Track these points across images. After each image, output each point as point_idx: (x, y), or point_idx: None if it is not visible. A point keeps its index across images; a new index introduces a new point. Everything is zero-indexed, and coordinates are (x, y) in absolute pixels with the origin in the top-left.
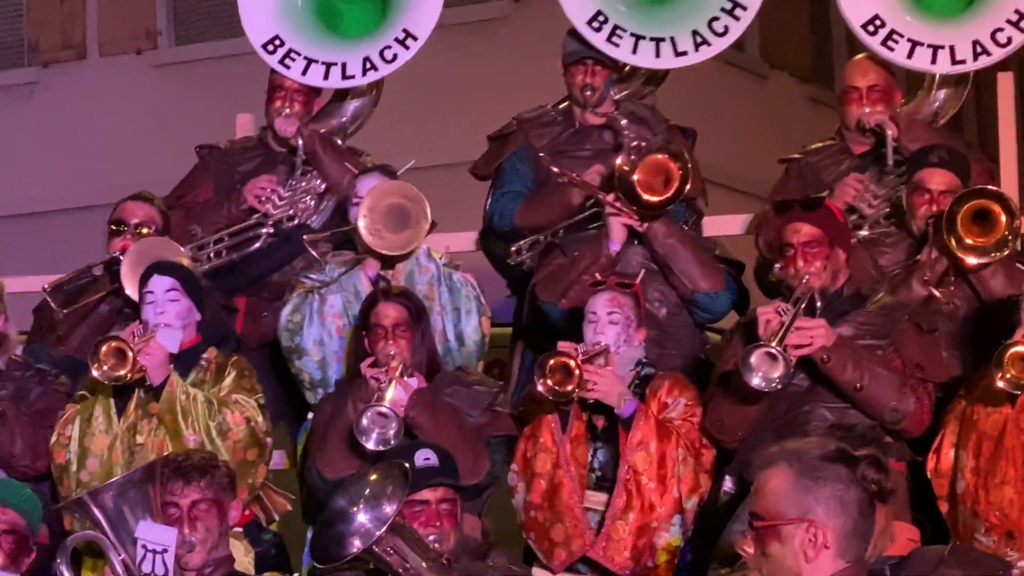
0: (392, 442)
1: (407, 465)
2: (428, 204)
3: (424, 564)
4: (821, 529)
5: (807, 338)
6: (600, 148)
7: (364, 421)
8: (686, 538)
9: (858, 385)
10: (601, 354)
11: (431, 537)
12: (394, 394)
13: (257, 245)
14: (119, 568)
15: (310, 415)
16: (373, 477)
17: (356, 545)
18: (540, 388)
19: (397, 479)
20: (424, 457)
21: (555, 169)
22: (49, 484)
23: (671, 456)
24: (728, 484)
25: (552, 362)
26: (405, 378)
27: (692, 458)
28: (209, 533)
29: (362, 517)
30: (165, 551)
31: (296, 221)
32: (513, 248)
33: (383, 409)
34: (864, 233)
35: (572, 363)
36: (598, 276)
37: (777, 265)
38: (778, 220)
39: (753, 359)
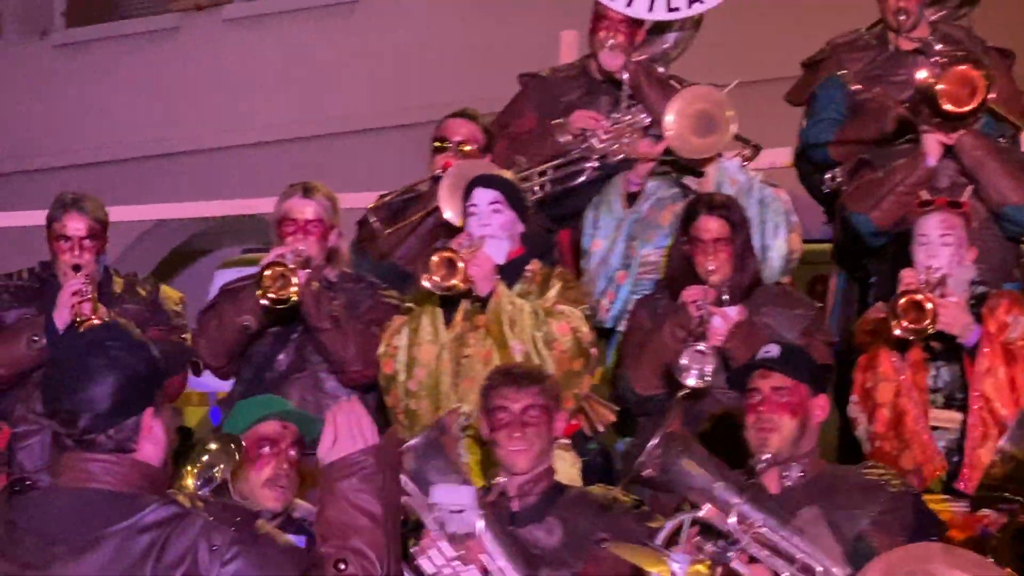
0: (708, 378)
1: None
2: (734, 111)
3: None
4: None
5: None
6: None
7: (684, 360)
8: None
9: None
10: (939, 283)
11: (762, 432)
12: (714, 324)
13: (582, 179)
14: (433, 526)
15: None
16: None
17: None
18: (898, 332)
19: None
20: (765, 351)
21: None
22: (375, 395)
23: (1021, 378)
24: None
25: (903, 302)
26: (725, 308)
27: None
28: (538, 439)
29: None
30: (463, 510)
31: (620, 155)
32: (828, 175)
33: (701, 347)
34: None
35: (921, 297)
36: (925, 196)
37: None
38: None
39: None
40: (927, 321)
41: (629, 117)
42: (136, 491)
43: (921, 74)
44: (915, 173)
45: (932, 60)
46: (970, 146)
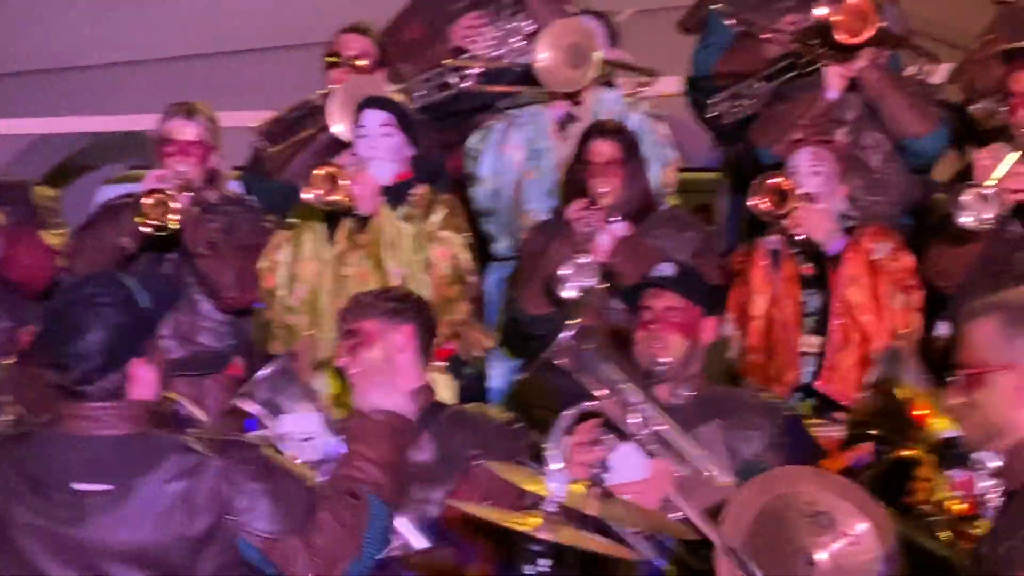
0: (587, 292)
1: None
2: (600, 42)
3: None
4: None
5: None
6: None
7: (563, 271)
8: None
9: None
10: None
11: (653, 348)
12: (600, 240)
13: (467, 84)
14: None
15: None
16: None
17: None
18: (756, 204)
19: None
20: (660, 269)
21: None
22: (250, 318)
23: (883, 290)
24: (942, 329)
25: (769, 183)
26: (612, 224)
27: (903, 295)
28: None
29: None
30: (311, 438)
31: (505, 61)
32: (710, 101)
33: (581, 260)
34: None
35: (786, 186)
36: (799, 135)
37: (975, 105)
38: (1002, 68)
39: (965, 198)
40: (787, 208)
41: (513, 24)
42: (143, 430)
43: (821, 11)
44: (816, 106)
45: None
46: (873, 79)
